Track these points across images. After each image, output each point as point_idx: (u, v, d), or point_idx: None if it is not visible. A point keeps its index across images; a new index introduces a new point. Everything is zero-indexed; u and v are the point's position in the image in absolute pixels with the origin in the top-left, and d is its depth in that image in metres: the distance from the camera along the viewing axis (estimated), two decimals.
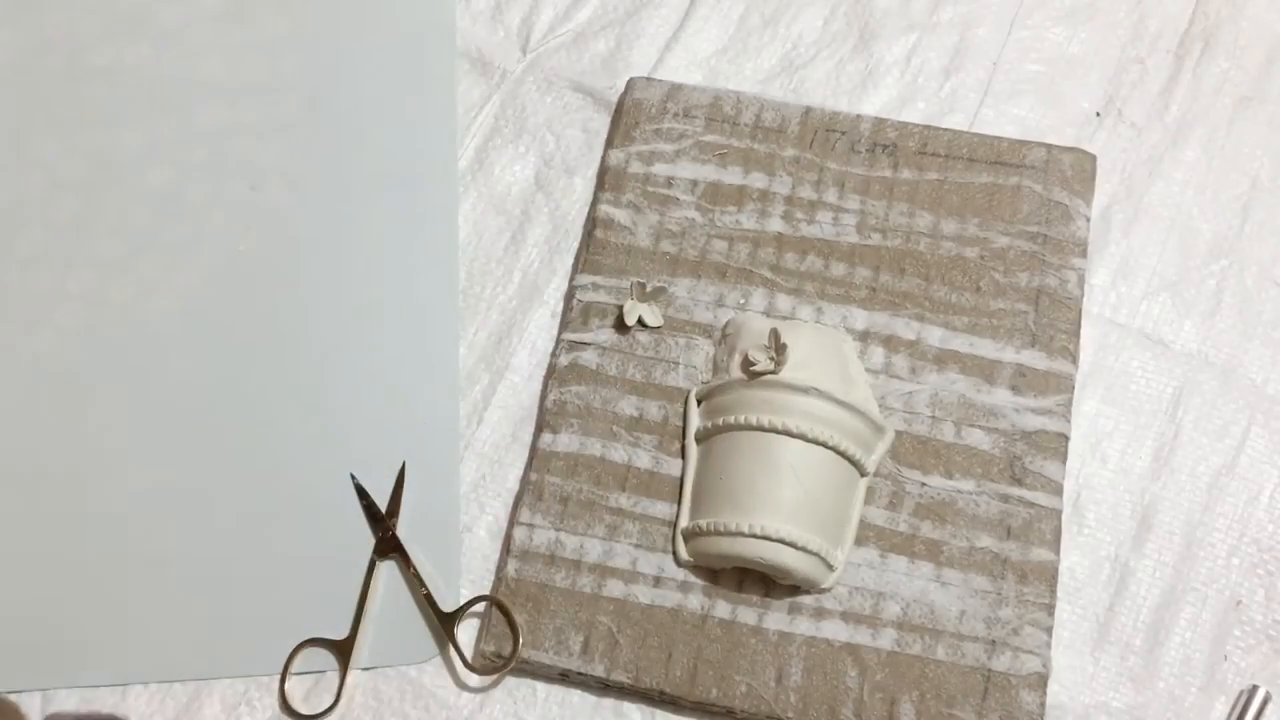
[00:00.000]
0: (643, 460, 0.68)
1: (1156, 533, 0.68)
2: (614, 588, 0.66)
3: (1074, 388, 0.69)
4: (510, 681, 0.67)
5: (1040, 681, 0.63)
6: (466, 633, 0.67)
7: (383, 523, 0.69)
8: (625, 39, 0.80)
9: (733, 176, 0.73)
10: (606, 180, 0.74)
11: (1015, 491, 0.66)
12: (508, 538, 0.68)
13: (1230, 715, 0.65)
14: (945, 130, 0.74)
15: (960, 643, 0.64)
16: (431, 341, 0.73)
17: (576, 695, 0.66)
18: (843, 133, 0.74)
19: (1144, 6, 0.80)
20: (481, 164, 0.78)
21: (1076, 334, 0.70)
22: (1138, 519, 0.69)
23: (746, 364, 0.66)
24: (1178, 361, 0.72)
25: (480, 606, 0.67)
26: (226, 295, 0.75)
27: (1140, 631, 0.67)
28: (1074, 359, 0.69)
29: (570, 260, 0.75)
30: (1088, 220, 0.72)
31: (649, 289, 0.71)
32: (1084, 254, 0.71)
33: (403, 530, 0.69)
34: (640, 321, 0.70)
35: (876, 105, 0.78)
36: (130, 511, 0.70)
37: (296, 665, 0.67)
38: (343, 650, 0.67)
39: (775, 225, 0.72)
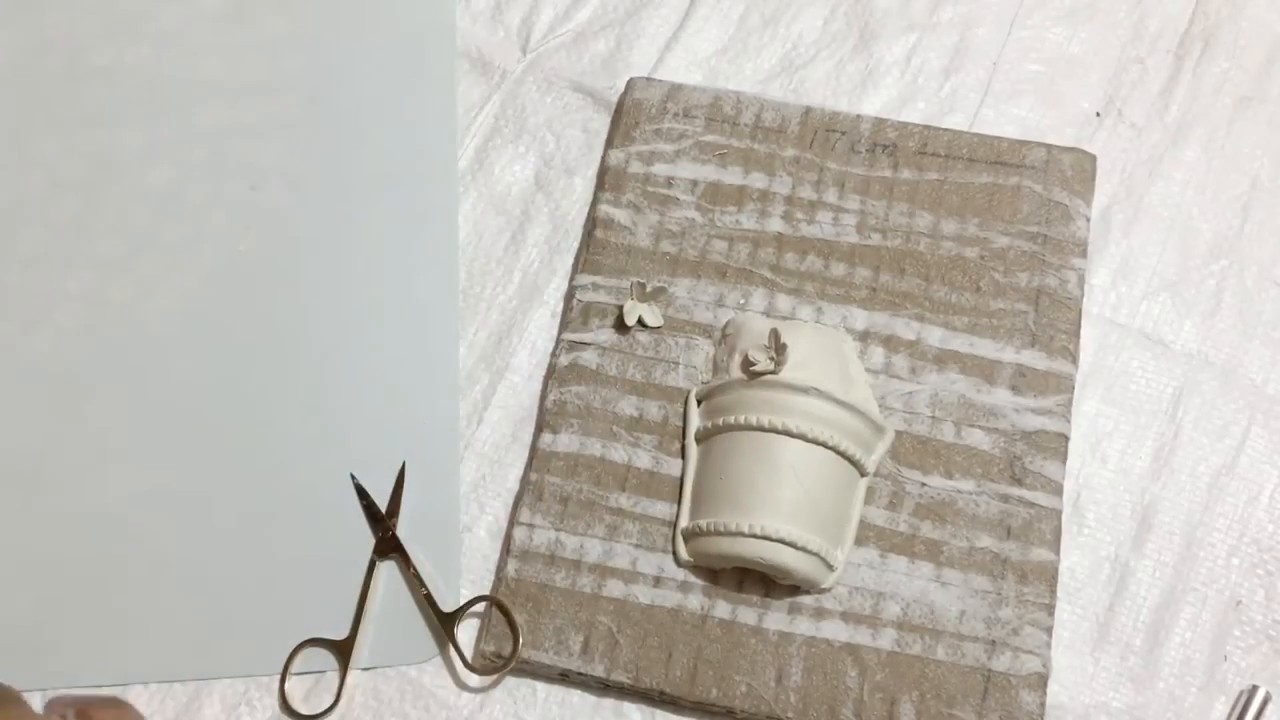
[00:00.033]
0: (643, 460, 0.68)
1: (1156, 533, 0.68)
2: (614, 588, 0.66)
3: (1074, 388, 0.69)
4: (510, 681, 0.67)
5: (1040, 681, 0.63)
6: (466, 633, 0.67)
7: (383, 523, 0.69)
8: (625, 39, 0.81)
9: (733, 176, 0.73)
10: (606, 180, 0.74)
11: (1015, 491, 0.66)
12: (508, 538, 0.68)
13: (1230, 715, 0.65)
14: (945, 130, 0.74)
15: (960, 643, 0.64)
16: (431, 341, 0.73)
17: (576, 695, 0.66)
18: (843, 133, 0.74)
19: (1144, 6, 0.80)
20: (481, 164, 0.78)
21: (1076, 334, 0.70)
22: (1138, 519, 0.69)
23: (746, 364, 0.66)
24: (1178, 361, 0.72)
25: (480, 606, 0.67)
26: (226, 295, 0.75)
27: (1140, 631, 0.67)
28: (1074, 359, 0.69)
29: (570, 260, 0.75)
30: (1088, 220, 0.72)
31: (649, 289, 0.71)
32: (1084, 254, 0.71)
33: (403, 530, 0.69)
34: (640, 321, 0.70)
35: (876, 105, 0.78)
36: (130, 511, 0.70)
37: (296, 665, 0.67)
38: (343, 650, 0.67)
39: (775, 225, 0.72)
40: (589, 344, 0.70)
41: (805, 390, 0.65)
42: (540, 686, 0.66)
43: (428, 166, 0.77)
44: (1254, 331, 0.72)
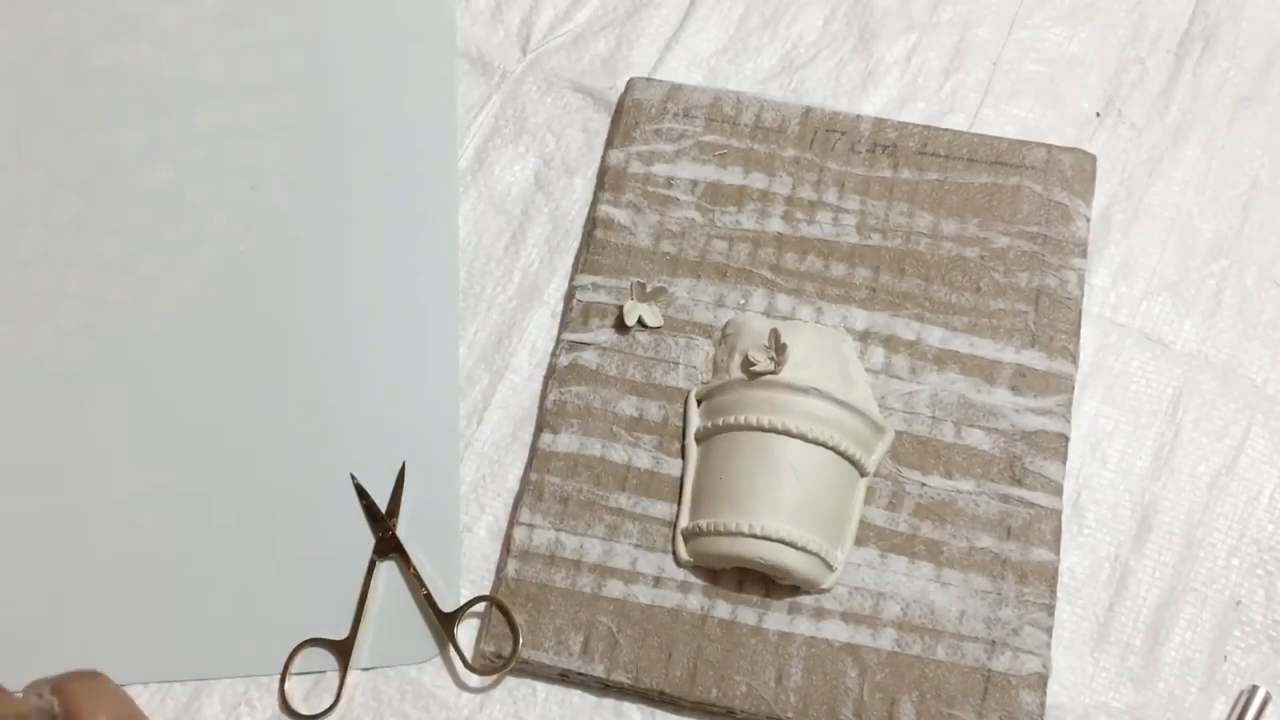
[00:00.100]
0: (643, 460, 0.68)
1: (1156, 533, 0.68)
2: (614, 588, 0.66)
3: (1074, 388, 0.69)
4: (510, 681, 0.67)
5: (1040, 681, 0.63)
6: (466, 633, 0.67)
7: (383, 523, 0.69)
8: (625, 39, 0.81)
9: (733, 177, 0.73)
10: (606, 180, 0.74)
11: (1015, 491, 0.66)
12: (508, 538, 0.68)
13: (1230, 715, 0.65)
14: (945, 130, 0.74)
15: (960, 643, 0.64)
16: (431, 341, 0.73)
17: (576, 695, 0.66)
18: (843, 133, 0.74)
19: (1144, 6, 0.80)
20: (481, 164, 0.78)
21: (1076, 334, 0.70)
22: (1138, 519, 0.69)
23: (746, 364, 0.67)
24: (1178, 361, 0.72)
25: (480, 606, 0.67)
26: (226, 295, 0.75)
27: (1140, 632, 0.67)
28: (1074, 359, 0.69)
29: (570, 260, 0.75)
30: (1088, 220, 0.72)
31: (649, 289, 0.71)
32: (1084, 254, 0.71)
33: (403, 530, 0.69)
34: (640, 321, 0.70)
35: (876, 105, 0.78)
36: (130, 511, 0.70)
37: (296, 665, 0.67)
38: (343, 650, 0.67)
39: (775, 225, 0.72)
40: (589, 344, 0.70)
41: (805, 390, 0.65)
42: (540, 686, 0.66)
43: (428, 166, 0.77)
44: (1254, 331, 0.72)
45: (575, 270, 0.74)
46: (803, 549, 0.63)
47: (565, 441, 0.69)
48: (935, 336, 0.70)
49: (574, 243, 0.76)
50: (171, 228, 0.76)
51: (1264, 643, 0.66)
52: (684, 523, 0.66)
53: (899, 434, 0.68)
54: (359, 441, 0.71)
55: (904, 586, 0.65)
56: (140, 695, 0.66)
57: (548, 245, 0.76)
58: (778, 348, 0.66)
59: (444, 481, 0.70)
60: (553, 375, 0.71)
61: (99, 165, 0.78)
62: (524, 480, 0.70)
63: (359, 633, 0.67)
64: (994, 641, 0.64)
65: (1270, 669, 0.66)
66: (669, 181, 0.73)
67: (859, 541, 0.66)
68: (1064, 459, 0.67)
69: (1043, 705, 0.63)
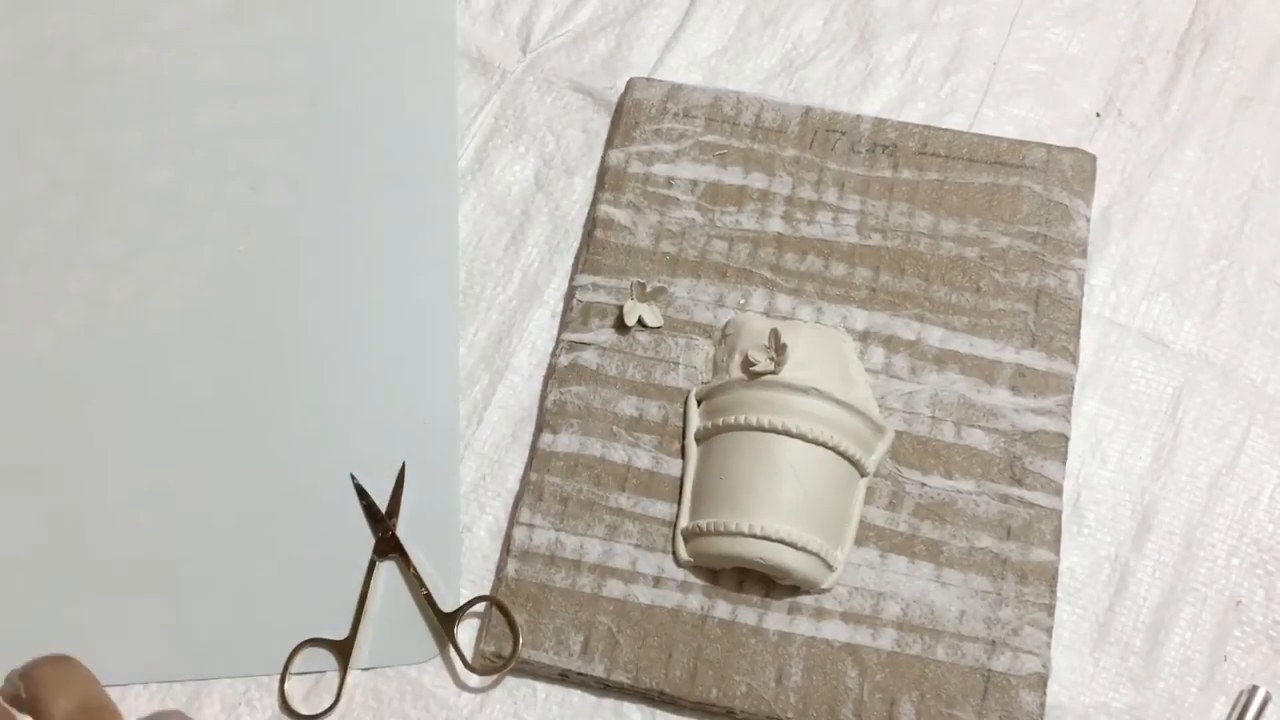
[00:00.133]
0: (643, 460, 0.68)
1: (1156, 533, 0.68)
2: (614, 588, 0.66)
3: (1074, 388, 0.69)
4: (510, 681, 0.67)
5: (1040, 682, 0.63)
6: (466, 633, 0.67)
7: (383, 523, 0.69)
8: (625, 39, 0.81)
9: (733, 177, 0.73)
10: (606, 180, 0.74)
11: (1015, 492, 0.66)
12: (508, 538, 0.68)
13: (1230, 715, 0.65)
14: (945, 130, 0.74)
15: (960, 643, 0.64)
16: (431, 341, 0.73)
17: (576, 695, 0.66)
18: (843, 133, 0.74)
19: (1144, 6, 0.80)
20: (481, 164, 0.78)
21: (1076, 334, 0.70)
22: (1138, 519, 0.69)
23: (746, 364, 0.66)
24: (1178, 361, 0.72)
25: (480, 606, 0.67)
26: (226, 295, 0.75)
27: (1140, 632, 0.67)
28: (1074, 359, 0.69)
29: (570, 260, 0.75)
30: (1088, 220, 0.72)
31: (649, 289, 0.71)
32: (1084, 254, 0.71)
33: (403, 530, 0.69)
34: (640, 321, 0.70)
35: (876, 105, 0.78)
36: (130, 511, 0.70)
37: (296, 665, 0.67)
38: (343, 650, 0.67)
39: (775, 225, 0.72)
40: (589, 344, 0.70)
41: (805, 390, 0.65)
42: (540, 686, 0.66)
43: (428, 166, 0.77)
44: (1254, 331, 0.72)
45: (575, 270, 0.74)
46: (803, 549, 0.63)
47: (565, 441, 0.69)
48: (935, 336, 0.70)
49: (574, 243, 0.76)
50: (171, 228, 0.76)
51: (1264, 643, 0.66)
52: (684, 523, 0.66)
53: (899, 434, 0.68)
54: (359, 441, 0.71)
55: (904, 586, 0.65)
56: (140, 695, 0.67)
57: (548, 245, 0.76)
58: (778, 348, 0.66)
59: (444, 481, 0.70)
60: (553, 375, 0.71)
61: (99, 165, 0.78)
62: (524, 480, 0.70)
63: (359, 633, 0.67)
64: (994, 641, 0.64)
65: (1270, 669, 0.66)
66: (669, 181, 0.73)
67: (859, 541, 0.66)
68: (1064, 459, 0.67)
69: (1043, 705, 0.63)
